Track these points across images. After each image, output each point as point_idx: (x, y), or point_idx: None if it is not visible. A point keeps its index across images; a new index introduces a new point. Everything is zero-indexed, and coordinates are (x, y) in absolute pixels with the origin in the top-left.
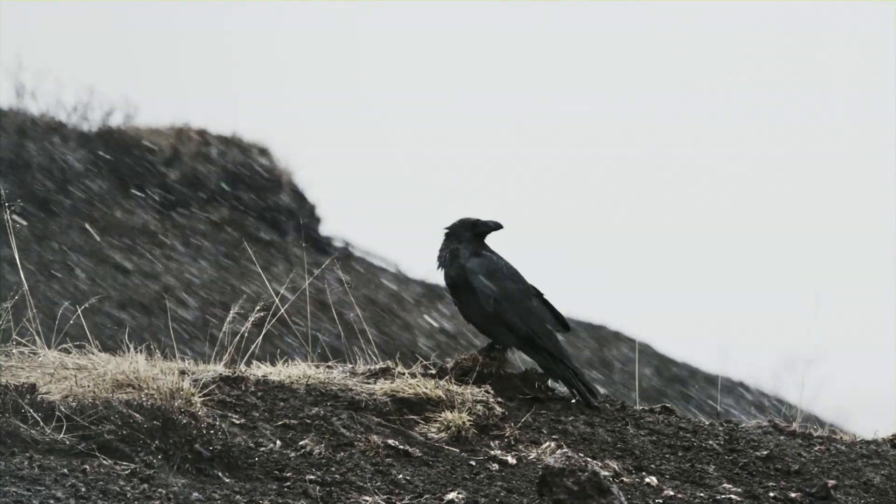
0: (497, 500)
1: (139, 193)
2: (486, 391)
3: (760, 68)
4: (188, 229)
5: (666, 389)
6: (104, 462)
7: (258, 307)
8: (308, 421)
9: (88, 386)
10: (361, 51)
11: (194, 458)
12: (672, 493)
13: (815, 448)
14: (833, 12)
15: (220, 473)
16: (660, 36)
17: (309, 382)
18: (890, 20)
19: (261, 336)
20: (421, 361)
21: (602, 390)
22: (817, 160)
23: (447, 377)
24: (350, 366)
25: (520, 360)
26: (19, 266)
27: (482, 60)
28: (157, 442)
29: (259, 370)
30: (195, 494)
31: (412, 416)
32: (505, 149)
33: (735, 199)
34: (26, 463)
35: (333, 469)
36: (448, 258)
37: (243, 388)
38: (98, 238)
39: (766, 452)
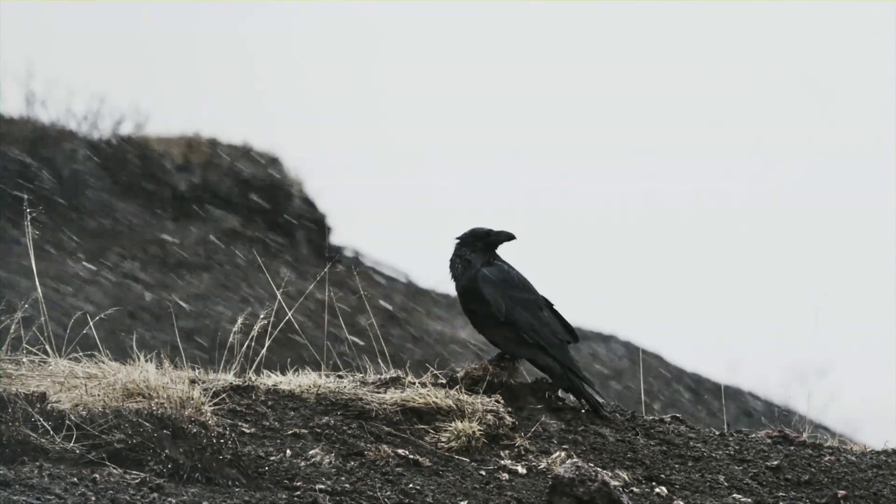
0: None
1: (149, 202)
2: (497, 401)
3: (765, 76)
4: (198, 238)
5: (676, 400)
6: (114, 471)
7: (263, 315)
8: (318, 430)
9: (98, 395)
10: (372, 59)
11: (204, 468)
12: None
13: (825, 459)
14: (833, 14)
15: (230, 483)
16: (671, 43)
17: (319, 392)
18: (890, 21)
19: (266, 344)
20: (431, 371)
21: (612, 400)
22: (823, 169)
23: (457, 387)
24: (360, 375)
25: (530, 369)
26: (35, 273)
27: (495, 69)
28: (167, 451)
29: (269, 379)
30: None
31: (422, 426)
32: (516, 158)
33: (745, 208)
34: (36, 472)
35: (343, 478)
36: (460, 268)
37: (253, 397)
38: (108, 247)
39: (776, 463)
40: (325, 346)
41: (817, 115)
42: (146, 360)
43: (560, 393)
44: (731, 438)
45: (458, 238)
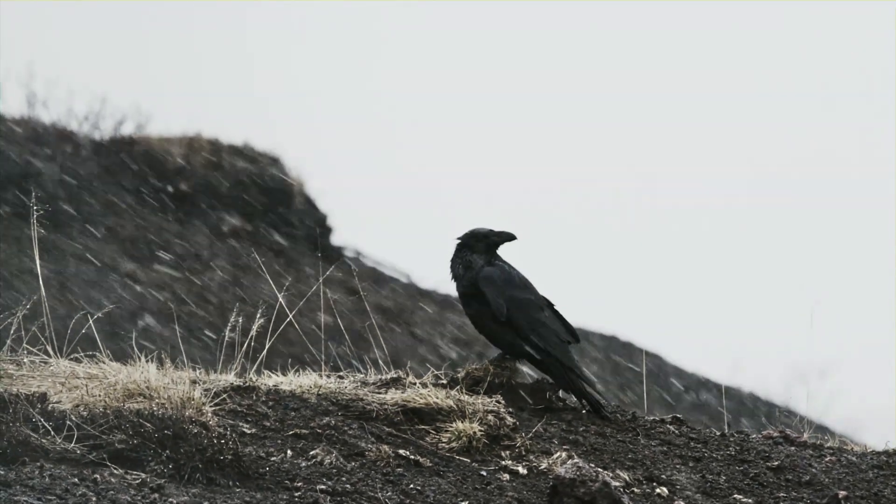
0: None
1: (150, 202)
2: (497, 401)
3: (763, 77)
4: (199, 239)
5: (676, 400)
6: (115, 472)
7: (260, 314)
8: (319, 431)
9: (99, 395)
10: (371, 60)
11: (205, 468)
12: None
13: (826, 459)
14: (833, 15)
15: (230, 483)
16: (671, 43)
17: (320, 392)
18: (890, 23)
19: (267, 345)
20: (432, 371)
21: (613, 401)
22: (824, 169)
23: (458, 387)
24: (361, 375)
25: (531, 370)
26: (39, 274)
27: (497, 69)
28: (167, 451)
29: (270, 380)
30: None
31: (423, 427)
32: (518, 159)
33: (746, 208)
34: (37, 472)
35: (344, 479)
36: (461, 269)
37: (254, 397)
38: (109, 247)
39: (777, 463)
40: (325, 346)
41: (817, 116)
42: (147, 361)
43: (561, 393)
44: (731, 439)
45: (458, 238)
